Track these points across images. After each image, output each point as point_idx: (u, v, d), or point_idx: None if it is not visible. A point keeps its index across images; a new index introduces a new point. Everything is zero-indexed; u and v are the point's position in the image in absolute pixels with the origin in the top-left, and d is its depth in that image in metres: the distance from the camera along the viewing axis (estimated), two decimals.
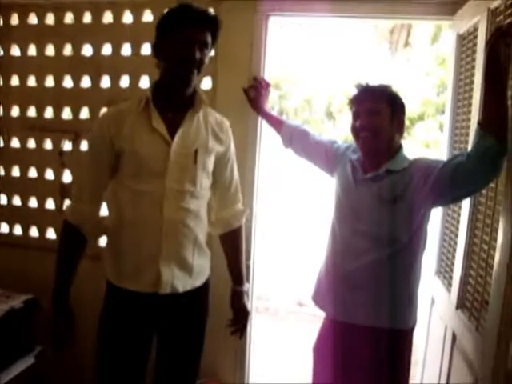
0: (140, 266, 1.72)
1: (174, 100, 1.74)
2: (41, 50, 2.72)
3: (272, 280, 4.94)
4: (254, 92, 2.38)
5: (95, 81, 2.64)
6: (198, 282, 1.83)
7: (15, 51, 2.80)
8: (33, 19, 2.73)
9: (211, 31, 1.68)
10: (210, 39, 1.68)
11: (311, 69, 13.58)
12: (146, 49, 2.54)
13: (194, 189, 1.73)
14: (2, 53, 2.82)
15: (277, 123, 2.32)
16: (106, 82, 2.64)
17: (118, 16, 2.59)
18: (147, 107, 1.71)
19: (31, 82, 2.77)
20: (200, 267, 1.83)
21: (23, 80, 2.78)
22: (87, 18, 2.65)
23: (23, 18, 2.74)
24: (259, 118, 2.44)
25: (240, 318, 1.99)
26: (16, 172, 2.82)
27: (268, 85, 2.42)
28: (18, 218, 2.85)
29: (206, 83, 2.51)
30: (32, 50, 2.76)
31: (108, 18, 2.62)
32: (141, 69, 2.56)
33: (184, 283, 1.77)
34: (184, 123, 1.72)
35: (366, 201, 1.82)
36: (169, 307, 1.77)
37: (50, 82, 2.73)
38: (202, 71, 1.70)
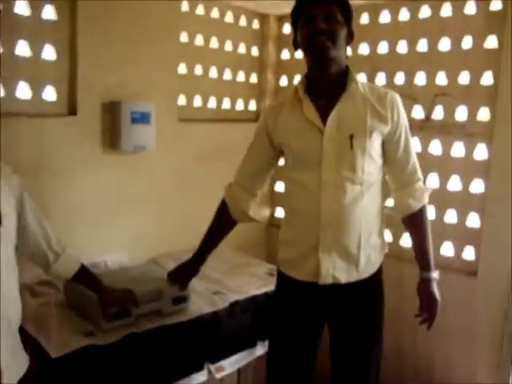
0: (303, 255, 1.72)
1: (323, 84, 1.67)
2: None
3: None
4: None
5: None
6: (366, 274, 1.73)
7: None
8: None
9: (337, 4, 1.61)
10: (337, 11, 1.61)
11: None
12: (422, 45, 2.51)
13: (354, 175, 1.64)
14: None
15: None
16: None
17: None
18: (299, 98, 1.70)
19: None
20: (367, 259, 1.72)
21: None
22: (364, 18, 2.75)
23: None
24: None
25: (427, 307, 1.81)
26: None
27: None
28: None
29: (487, 79, 2.35)
30: None
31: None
32: (415, 66, 2.54)
33: (348, 275, 1.70)
34: (336, 107, 1.64)
35: None
36: (333, 298, 1.73)
37: None
38: (338, 43, 1.61)
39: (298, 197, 1.72)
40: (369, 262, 1.73)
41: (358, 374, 1.80)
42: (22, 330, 1.51)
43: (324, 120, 1.64)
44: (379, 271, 1.80)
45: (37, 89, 2.18)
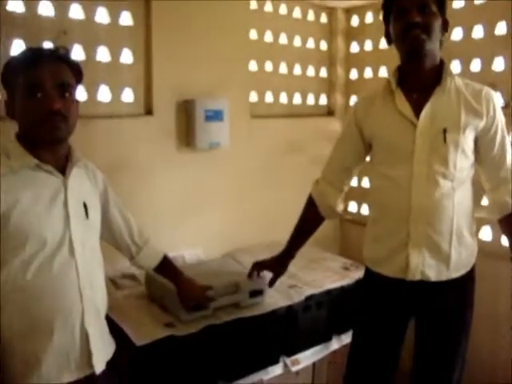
0: (391, 251, 1.68)
1: (416, 78, 1.64)
2: None
3: None
4: None
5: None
6: (457, 273, 1.67)
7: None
8: None
9: None
10: (431, 2, 1.56)
11: None
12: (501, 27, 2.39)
13: (447, 170, 1.59)
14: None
15: None
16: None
17: None
18: (391, 91, 1.66)
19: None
20: (459, 257, 1.66)
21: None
22: None
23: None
24: None
25: None
26: None
27: None
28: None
29: None
30: None
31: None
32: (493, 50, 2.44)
33: (438, 272, 1.65)
34: (430, 101, 1.60)
35: None
36: (422, 295, 1.68)
37: None
38: (433, 36, 1.56)
39: (388, 192, 1.69)
40: (460, 260, 1.68)
41: (441, 372, 1.75)
42: (109, 319, 1.59)
43: (417, 113, 1.62)
44: (471, 272, 1.74)
45: (116, 91, 2.29)
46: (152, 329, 1.87)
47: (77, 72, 1.40)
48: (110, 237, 1.66)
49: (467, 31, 2.56)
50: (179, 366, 1.87)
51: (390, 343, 1.81)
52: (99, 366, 1.41)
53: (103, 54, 2.23)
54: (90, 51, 2.19)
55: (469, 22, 2.53)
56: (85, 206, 1.42)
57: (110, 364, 1.48)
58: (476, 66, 2.55)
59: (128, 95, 2.33)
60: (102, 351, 1.45)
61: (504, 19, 2.42)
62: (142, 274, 2.17)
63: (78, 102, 1.42)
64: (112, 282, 2.21)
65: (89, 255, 1.42)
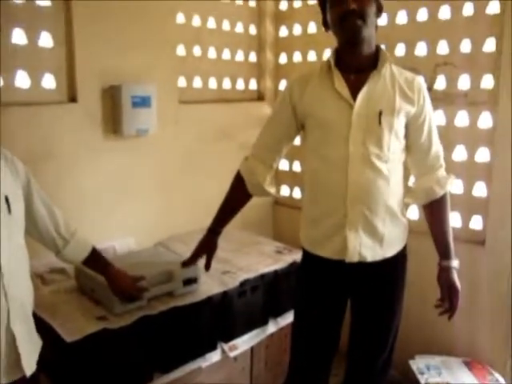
0: (329, 233, 1.71)
1: (354, 61, 1.67)
2: None
3: None
4: None
5: None
6: (390, 252, 1.74)
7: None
8: None
9: None
10: None
11: None
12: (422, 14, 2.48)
13: (381, 152, 1.64)
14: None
15: None
16: None
17: None
18: (330, 71, 1.68)
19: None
20: (392, 236, 1.72)
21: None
22: None
23: None
24: None
25: (449, 296, 1.81)
26: None
27: None
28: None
29: (489, 45, 2.32)
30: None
31: None
32: (416, 36, 2.54)
33: (373, 253, 1.70)
34: (367, 84, 1.64)
35: None
36: (359, 275, 1.73)
37: None
38: (369, 22, 1.59)
39: (324, 173, 1.70)
40: (393, 240, 1.74)
41: (375, 349, 1.83)
42: (36, 317, 1.52)
43: (353, 95, 1.64)
44: (403, 250, 1.80)
45: (35, 77, 2.17)
46: (83, 323, 1.82)
47: None
48: (34, 231, 1.58)
49: (392, 17, 2.63)
50: (114, 360, 1.82)
51: (331, 324, 1.84)
52: (29, 369, 1.36)
53: (19, 37, 2.10)
54: (5, 33, 2.04)
55: (393, 8, 2.60)
56: (6, 200, 1.34)
57: (40, 364, 1.42)
58: (400, 50, 2.63)
59: (49, 81, 2.21)
60: (31, 352, 1.39)
61: (426, 6, 2.51)
62: (72, 268, 2.10)
63: None
64: (40, 278, 2.12)
65: (13, 251, 1.35)
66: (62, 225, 1.64)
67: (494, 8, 2.31)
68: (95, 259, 1.78)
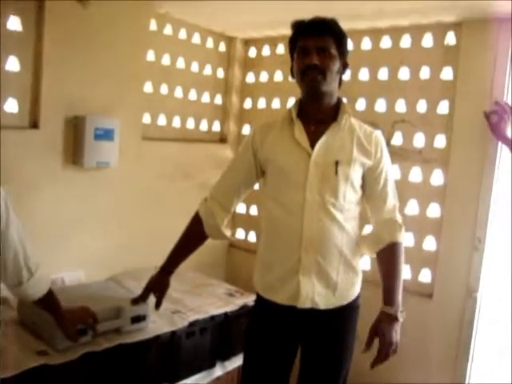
0: (283, 278, 1.71)
1: (315, 112, 1.72)
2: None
3: None
4: (496, 117, 2.26)
5: None
6: (343, 301, 1.74)
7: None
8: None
9: (332, 37, 1.65)
10: (331, 44, 1.65)
11: None
12: (383, 73, 2.61)
13: (336, 201, 1.67)
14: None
15: None
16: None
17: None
18: (291, 121, 1.74)
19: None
20: (345, 285, 1.73)
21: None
22: None
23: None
24: (499, 145, 2.32)
25: (380, 346, 1.70)
26: None
27: (511, 110, 2.26)
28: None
29: (443, 107, 2.47)
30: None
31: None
32: (376, 93, 2.65)
33: (326, 300, 1.70)
34: (325, 134, 1.69)
35: None
36: (310, 322, 1.73)
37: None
38: (329, 78, 1.65)
39: (280, 218, 1.72)
40: (346, 288, 1.74)
41: None
42: None
43: (312, 144, 1.69)
44: (357, 299, 1.80)
45: None
46: (21, 358, 1.72)
47: None
48: None
49: (354, 73, 2.76)
50: None
51: (281, 371, 1.83)
52: None
53: None
54: None
55: (356, 64, 2.72)
56: None
57: None
58: (361, 105, 2.76)
59: (12, 105, 2.18)
60: None
61: (386, 66, 2.65)
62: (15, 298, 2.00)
63: None
64: None
65: None
66: (30, 256, 1.56)
67: (447, 74, 2.47)
68: (49, 298, 1.69)
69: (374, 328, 1.73)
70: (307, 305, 1.69)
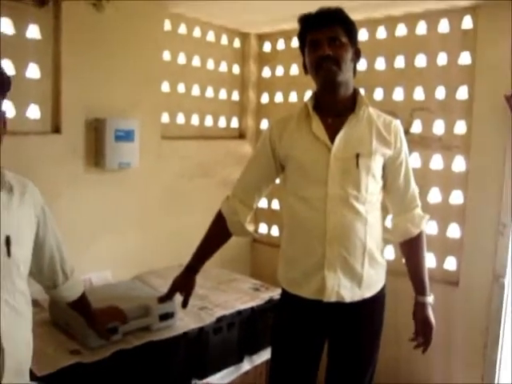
0: (307, 273, 1.72)
1: (332, 105, 1.72)
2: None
3: None
4: None
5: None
6: (368, 293, 1.75)
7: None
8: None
9: (340, 25, 1.64)
10: (341, 33, 1.64)
11: None
12: (400, 61, 2.59)
13: (359, 193, 1.67)
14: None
15: None
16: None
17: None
18: (308, 114, 1.73)
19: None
20: (370, 277, 1.74)
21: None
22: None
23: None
24: None
25: (423, 331, 1.83)
26: None
27: None
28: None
29: (462, 93, 2.44)
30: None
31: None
32: (393, 82, 2.64)
33: (352, 293, 1.71)
34: (344, 127, 1.68)
35: None
36: (337, 315, 1.74)
37: None
38: (344, 67, 1.64)
39: (303, 213, 1.72)
40: (371, 281, 1.75)
41: None
42: None
43: (331, 138, 1.68)
44: (382, 290, 1.82)
45: (20, 107, 2.18)
46: (56, 357, 1.78)
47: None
48: (35, 262, 1.46)
49: (371, 63, 2.74)
50: None
51: (309, 365, 1.84)
52: None
53: (7, 68, 2.12)
54: None
55: (372, 53, 2.71)
56: (7, 241, 1.25)
57: None
58: (379, 94, 2.74)
59: (34, 112, 2.23)
60: None
61: (403, 54, 2.63)
62: (46, 299, 2.05)
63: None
64: None
65: (11, 301, 1.25)
66: (66, 260, 1.59)
67: (465, 59, 2.44)
68: (83, 302, 1.73)
69: (417, 317, 1.85)
70: (333, 298, 1.69)
